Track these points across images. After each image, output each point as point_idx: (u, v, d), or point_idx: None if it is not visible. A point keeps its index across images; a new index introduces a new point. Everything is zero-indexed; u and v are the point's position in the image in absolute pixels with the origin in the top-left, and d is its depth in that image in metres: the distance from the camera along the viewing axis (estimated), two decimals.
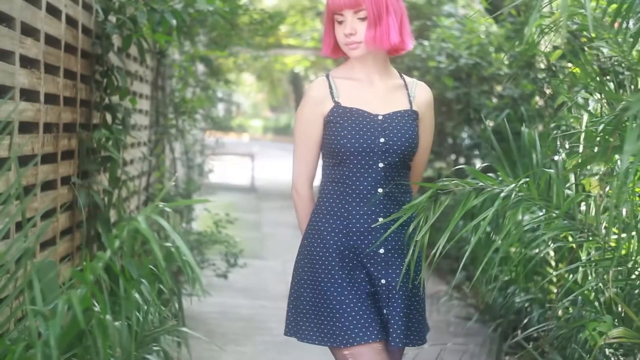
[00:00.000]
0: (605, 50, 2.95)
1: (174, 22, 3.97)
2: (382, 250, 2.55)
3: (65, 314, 1.74)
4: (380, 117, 2.56)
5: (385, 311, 2.53)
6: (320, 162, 2.69)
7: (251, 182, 15.69)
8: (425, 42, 6.94)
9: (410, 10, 7.36)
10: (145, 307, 2.69)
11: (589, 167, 2.91)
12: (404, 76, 2.71)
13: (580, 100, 3.13)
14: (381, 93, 2.62)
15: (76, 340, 1.91)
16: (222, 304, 5.66)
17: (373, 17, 2.49)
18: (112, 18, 3.87)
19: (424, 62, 6.86)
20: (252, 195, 14.09)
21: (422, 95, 2.68)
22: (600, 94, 2.85)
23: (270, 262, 7.71)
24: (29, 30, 2.83)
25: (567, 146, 3.29)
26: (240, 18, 6.33)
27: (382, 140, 2.53)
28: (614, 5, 2.36)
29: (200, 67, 7.76)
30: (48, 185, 3.11)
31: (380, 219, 2.53)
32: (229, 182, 14.94)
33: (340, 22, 2.55)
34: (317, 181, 2.70)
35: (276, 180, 16.63)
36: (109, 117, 3.90)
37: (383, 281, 2.54)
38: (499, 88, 6.52)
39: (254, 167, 16.36)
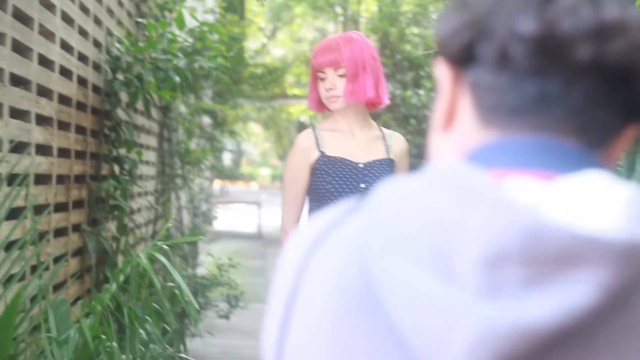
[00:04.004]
0: None
1: (178, 79, 4.27)
2: None
3: (76, 341, 1.99)
4: (361, 165, 2.84)
5: None
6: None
7: (258, 230, 15.91)
8: (421, 92, 7.25)
9: (404, 62, 7.69)
10: (151, 345, 2.92)
11: None
12: (382, 128, 3.01)
13: None
14: (362, 143, 2.90)
15: None
16: (224, 345, 5.88)
17: (351, 73, 2.79)
18: (120, 76, 4.16)
19: (420, 110, 7.15)
20: (259, 242, 14.31)
21: (398, 145, 2.96)
22: None
23: None
24: (43, 91, 3.12)
25: None
26: (242, 73, 6.63)
27: (363, 185, 2.81)
28: None
29: (206, 119, 8.06)
30: (60, 232, 3.37)
31: None
32: (235, 229, 15.17)
33: (322, 79, 2.86)
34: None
35: None
36: (116, 169, 4.17)
37: None
38: None
39: (261, 215, 16.59)
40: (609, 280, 0.60)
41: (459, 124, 0.77)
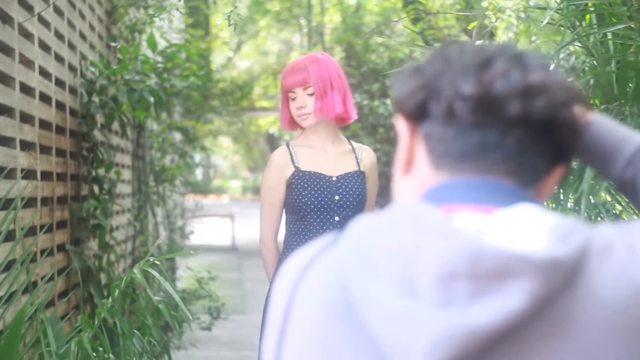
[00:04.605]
0: None
1: (152, 99, 4.40)
2: None
3: (75, 355, 2.11)
4: (334, 178, 2.99)
5: None
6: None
7: (232, 242, 15.99)
8: (388, 102, 7.42)
9: (371, 73, 7.86)
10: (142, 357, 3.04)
11: None
12: (352, 142, 3.16)
13: None
14: (333, 157, 3.05)
15: None
16: (208, 357, 5.99)
17: (319, 91, 2.94)
18: (96, 99, 4.28)
19: (387, 119, 7.33)
20: (234, 254, 14.40)
21: (367, 158, 3.12)
22: None
23: (253, 316, 8.01)
24: (25, 117, 3.24)
25: None
26: (211, 89, 6.76)
27: (337, 197, 2.95)
28: None
29: (177, 135, 8.17)
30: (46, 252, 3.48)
31: None
32: (210, 242, 15.25)
33: (293, 99, 3.01)
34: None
35: (257, 239, 16.78)
36: (96, 189, 4.28)
37: None
38: None
39: (235, 228, 16.66)
40: (536, 290, 0.77)
41: (416, 168, 0.95)
